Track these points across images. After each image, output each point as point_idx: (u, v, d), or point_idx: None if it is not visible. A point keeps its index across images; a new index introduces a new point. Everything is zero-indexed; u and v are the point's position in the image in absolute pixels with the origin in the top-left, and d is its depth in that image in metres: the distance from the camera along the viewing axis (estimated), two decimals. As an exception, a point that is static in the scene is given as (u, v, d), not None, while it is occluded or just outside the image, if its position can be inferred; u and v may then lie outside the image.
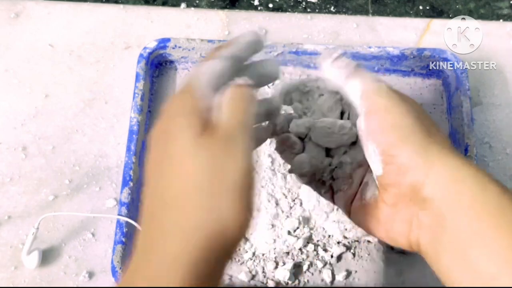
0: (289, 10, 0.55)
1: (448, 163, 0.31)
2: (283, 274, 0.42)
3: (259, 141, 0.38)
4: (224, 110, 0.29)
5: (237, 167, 0.27)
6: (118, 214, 0.42)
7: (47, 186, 0.46)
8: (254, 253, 0.43)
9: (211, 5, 0.55)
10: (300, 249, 0.43)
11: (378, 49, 0.49)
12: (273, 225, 0.43)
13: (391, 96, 0.33)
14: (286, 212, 0.44)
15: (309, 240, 0.43)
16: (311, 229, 0.43)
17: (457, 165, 0.31)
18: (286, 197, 0.44)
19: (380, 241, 0.43)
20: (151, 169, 0.30)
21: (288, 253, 0.43)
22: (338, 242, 0.43)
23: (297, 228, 0.43)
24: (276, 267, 0.42)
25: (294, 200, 0.44)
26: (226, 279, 0.42)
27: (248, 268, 0.42)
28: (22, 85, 0.50)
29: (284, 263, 0.42)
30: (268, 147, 0.45)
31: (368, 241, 0.44)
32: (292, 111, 0.40)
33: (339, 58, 0.35)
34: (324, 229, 0.43)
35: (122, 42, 0.52)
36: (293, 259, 0.43)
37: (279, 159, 0.45)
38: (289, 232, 0.43)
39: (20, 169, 0.46)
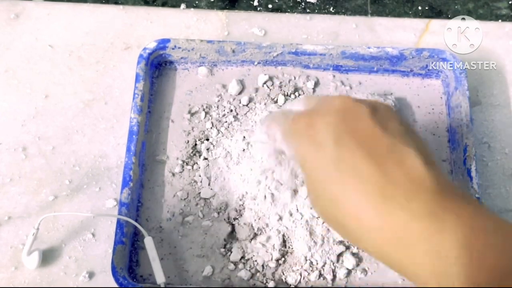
0: (289, 10, 0.55)
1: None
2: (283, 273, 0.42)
3: None
4: None
5: None
6: (118, 214, 0.42)
7: (47, 186, 0.46)
8: (254, 253, 0.43)
9: (210, 6, 0.55)
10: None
11: (377, 50, 0.49)
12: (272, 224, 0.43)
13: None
14: (287, 212, 0.44)
15: (308, 240, 0.43)
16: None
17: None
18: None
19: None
20: None
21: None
22: (340, 241, 0.43)
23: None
24: (276, 267, 0.42)
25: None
26: (225, 279, 0.42)
27: (248, 267, 0.42)
28: (22, 85, 0.50)
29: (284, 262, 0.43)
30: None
31: (368, 241, 0.44)
32: None
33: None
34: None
35: (121, 42, 0.52)
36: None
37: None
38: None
39: (20, 170, 0.47)
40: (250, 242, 0.43)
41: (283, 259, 0.43)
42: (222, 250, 0.43)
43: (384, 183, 0.30)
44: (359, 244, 0.33)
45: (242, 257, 0.43)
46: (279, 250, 0.42)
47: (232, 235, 0.44)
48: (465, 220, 0.29)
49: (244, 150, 0.45)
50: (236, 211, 0.44)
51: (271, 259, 0.42)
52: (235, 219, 0.44)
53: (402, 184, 0.30)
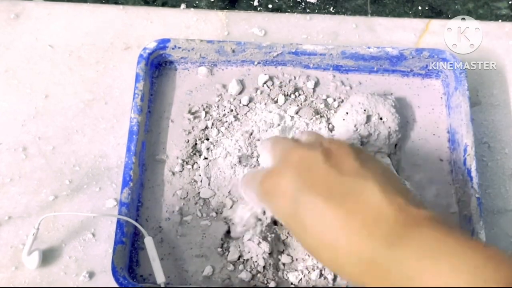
0: (289, 10, 0.55)
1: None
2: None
3: None
4: None
5: None
6: (118, 214, 0.42)
7: (47, 186, 0.46)
8: (252, 253, 0.43)
9: (210, 6, 0.55)
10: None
11: (377, 50, 0.49)
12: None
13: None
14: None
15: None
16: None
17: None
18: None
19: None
20: None
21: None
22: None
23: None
24: (276, 265, 0.42)
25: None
26: (225, 279, 0.42)
27: (249, 268, 0.42)
28: (22, 85, 0.50)
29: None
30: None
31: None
32: None
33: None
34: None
35: (121, 42, 0.52)
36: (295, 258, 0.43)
37: None
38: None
39: (20, 170, 0.47)
40: (248, 240, 0.43)
41: (282, 257, 0.43)
42: (219, 249, 0.43)
43: (347, 222, 0.32)
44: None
45: (241, 256, 0.43)
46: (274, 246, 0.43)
47: (229, 234, 0.44)
48: (421, 243, 0.30)
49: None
50: (234, 211, 0.44)
51: (269, 256, 0.42)
52: (231, 219, 0.44)
53: (363, 219, 0.31)
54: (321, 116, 0.48)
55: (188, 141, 0.47)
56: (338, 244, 0.32)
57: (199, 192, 0.45)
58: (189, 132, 0.48)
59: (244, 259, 0.43)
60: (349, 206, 0.32)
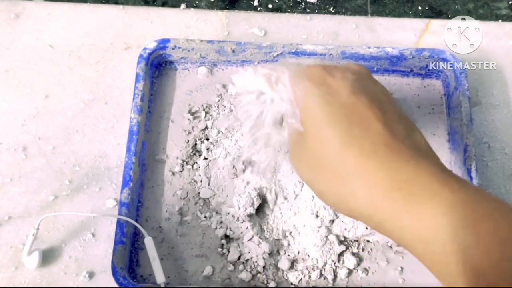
0: (289, 10, 0.55)
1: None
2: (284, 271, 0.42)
3: None
4: None
5: None
6: (118, 214, 0.42)
7: (47, 186, 0.46)
8: (252, 253, 0.43)
9: (210, 6, 0.55)
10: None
11: (377, 50, 0.49)
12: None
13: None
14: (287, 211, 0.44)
15: (308, 240, 0.43)
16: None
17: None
18: (286, 198, 0.44)
19: (379, 241, 0.44)
20: None
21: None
22: (339, 242, 0.43)
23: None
24: (277, 267, 0.43)
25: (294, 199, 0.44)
26: (226, 279, 0.42)
27: (249, 268, 0.42)
28: (22, 85, 0.50)
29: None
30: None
31: (368, 241, 0.44)
32: None
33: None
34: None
35: (122, 42, 0.52)
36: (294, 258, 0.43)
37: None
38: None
39: (20, 170, 0.47)
40: (248, 240, 0.43)
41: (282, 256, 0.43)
42: (219, 249, 0.43)
43: (391, 139, 0.31)
44: (346, 206, 0.32)
45: (241, 256, 0.43)
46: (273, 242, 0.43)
47: (228, 237, 0.44)
48: (468, 186, 0.29)
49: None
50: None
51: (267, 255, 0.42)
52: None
53: (408, 145, 0.31)
54: (321, 116, 0.48)
55: (188, 141, 0.47)
56: (365, 144, 0.30)
57: (199, 192, 0.45)
58: (189, 132, 0.48)
59: (244, 259, 0.43)
60: (397, 130, 0.32)
